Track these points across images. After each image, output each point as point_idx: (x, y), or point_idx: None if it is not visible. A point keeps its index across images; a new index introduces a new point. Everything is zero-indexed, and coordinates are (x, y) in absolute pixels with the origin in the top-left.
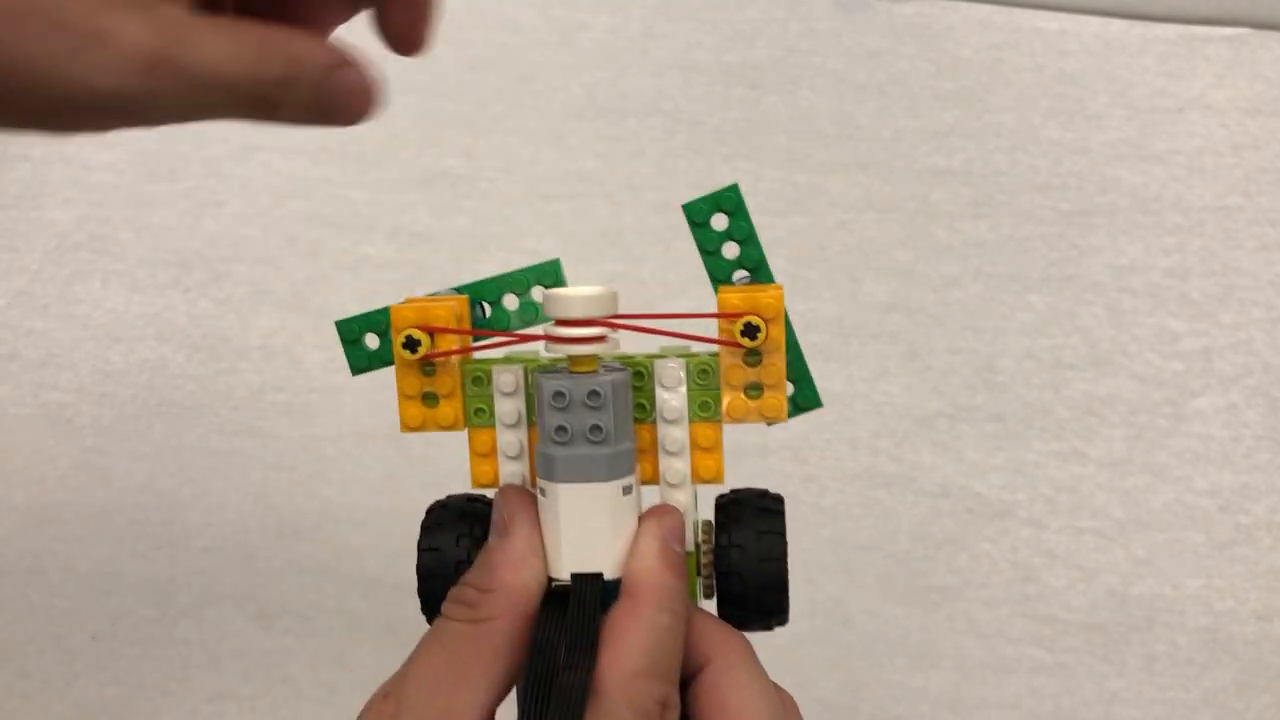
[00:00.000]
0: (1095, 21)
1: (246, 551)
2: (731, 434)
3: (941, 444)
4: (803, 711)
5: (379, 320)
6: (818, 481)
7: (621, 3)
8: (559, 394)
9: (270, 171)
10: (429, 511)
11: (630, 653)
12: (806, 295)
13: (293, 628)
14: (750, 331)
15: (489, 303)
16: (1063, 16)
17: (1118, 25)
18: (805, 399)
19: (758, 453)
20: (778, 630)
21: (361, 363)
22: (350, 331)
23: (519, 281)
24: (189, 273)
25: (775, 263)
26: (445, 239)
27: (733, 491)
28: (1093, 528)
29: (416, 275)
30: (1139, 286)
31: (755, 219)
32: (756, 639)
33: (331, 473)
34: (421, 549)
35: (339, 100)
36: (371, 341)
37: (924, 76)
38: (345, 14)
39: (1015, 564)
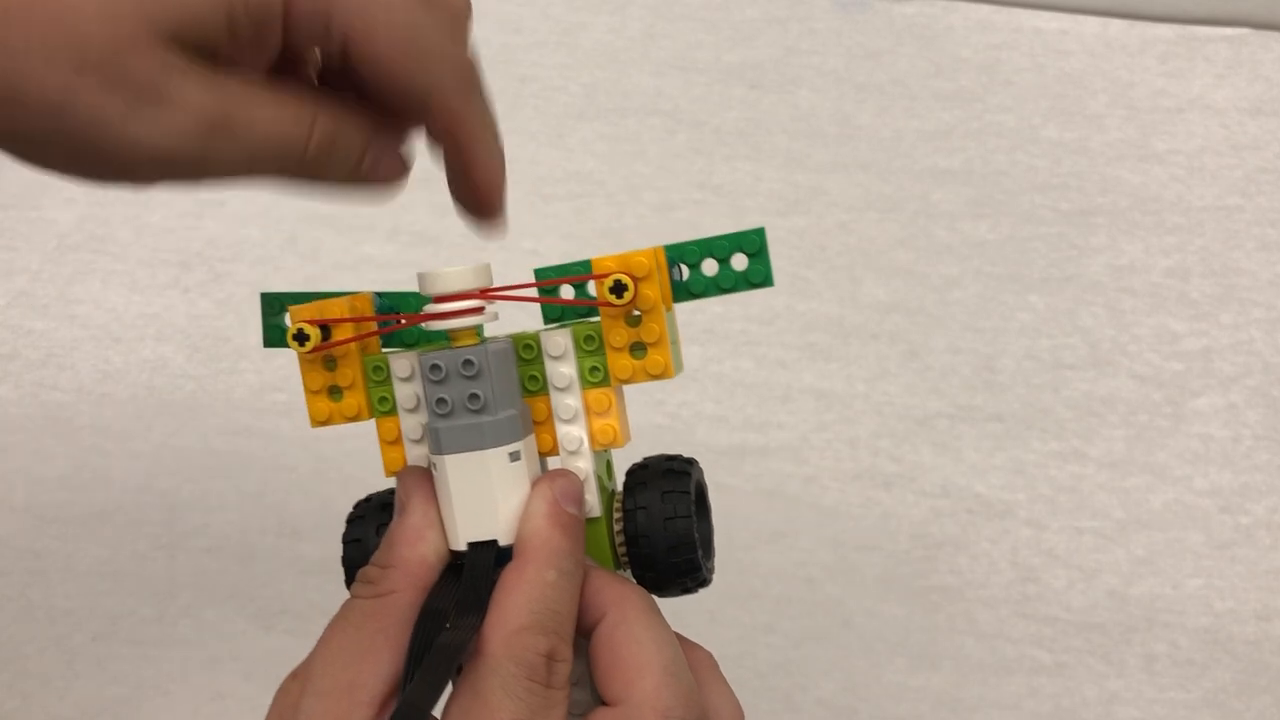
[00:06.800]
0: (1095, 21)
1: (246, 551)
2: (733, 434)
3: (941, 444)
4: (803, 712)
5: (304, 301)
6: (818, 481)
7: (621, 3)
8: (435, 367)
9: None
10: (355, 507)
11: (514, 609)
12: (806, 295)
13: (293, 628)
14: (618, 289)
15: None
16: (1063, 16)
17: (1118, 25)
18: (757, 274)
19: (758, 453)
20: (778, 631)
21: (275, 339)
22: (273, 307)
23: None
24: (189, 273)
25: (776, 263)
26: (445, 238)
27: (644, 459)
28: (1093, 528)
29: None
30: (1139, 286)
31: (755, 219)
32: (752, 638)
33: (332, 473)
34: (345, 542)
35: (373, 172)
36: (289, 321)
37: (924, 76)
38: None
39: (1015, 564)
